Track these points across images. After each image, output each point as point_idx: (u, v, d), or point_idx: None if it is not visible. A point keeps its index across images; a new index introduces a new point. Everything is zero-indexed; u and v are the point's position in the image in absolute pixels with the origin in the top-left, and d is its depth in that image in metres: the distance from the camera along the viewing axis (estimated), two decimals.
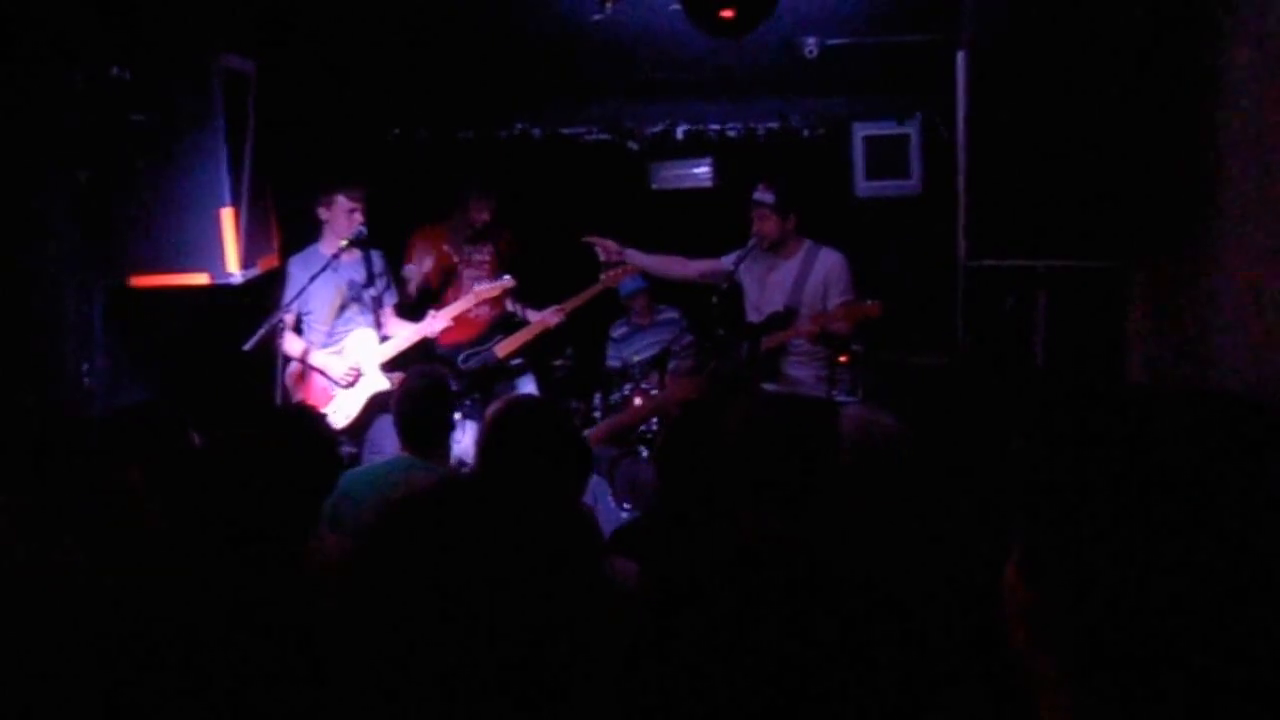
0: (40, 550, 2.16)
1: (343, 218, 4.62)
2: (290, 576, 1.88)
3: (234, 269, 4.14)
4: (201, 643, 1.75)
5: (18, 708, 1.78)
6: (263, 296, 4.44)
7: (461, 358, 5.06)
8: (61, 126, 3.92)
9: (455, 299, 4.92)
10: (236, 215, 4.15)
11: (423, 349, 4.82)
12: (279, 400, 4.37)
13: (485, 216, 5.15)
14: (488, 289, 4.78)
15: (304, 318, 4.62)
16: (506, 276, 4.85)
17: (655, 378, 5.06)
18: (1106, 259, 3.04)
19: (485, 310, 5.00)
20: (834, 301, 4.37)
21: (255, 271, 4.36)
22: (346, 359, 4.59)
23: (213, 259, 4.12)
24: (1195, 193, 2.80)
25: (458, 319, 4.89)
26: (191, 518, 1.91)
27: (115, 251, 4.10)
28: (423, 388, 3.19)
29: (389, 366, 4.64)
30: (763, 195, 4.45)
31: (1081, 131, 2.96)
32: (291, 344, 4.52)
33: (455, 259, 5.10)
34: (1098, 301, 3.37)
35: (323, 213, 4.66)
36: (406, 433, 3.15)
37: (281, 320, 4.31)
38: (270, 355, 4.31)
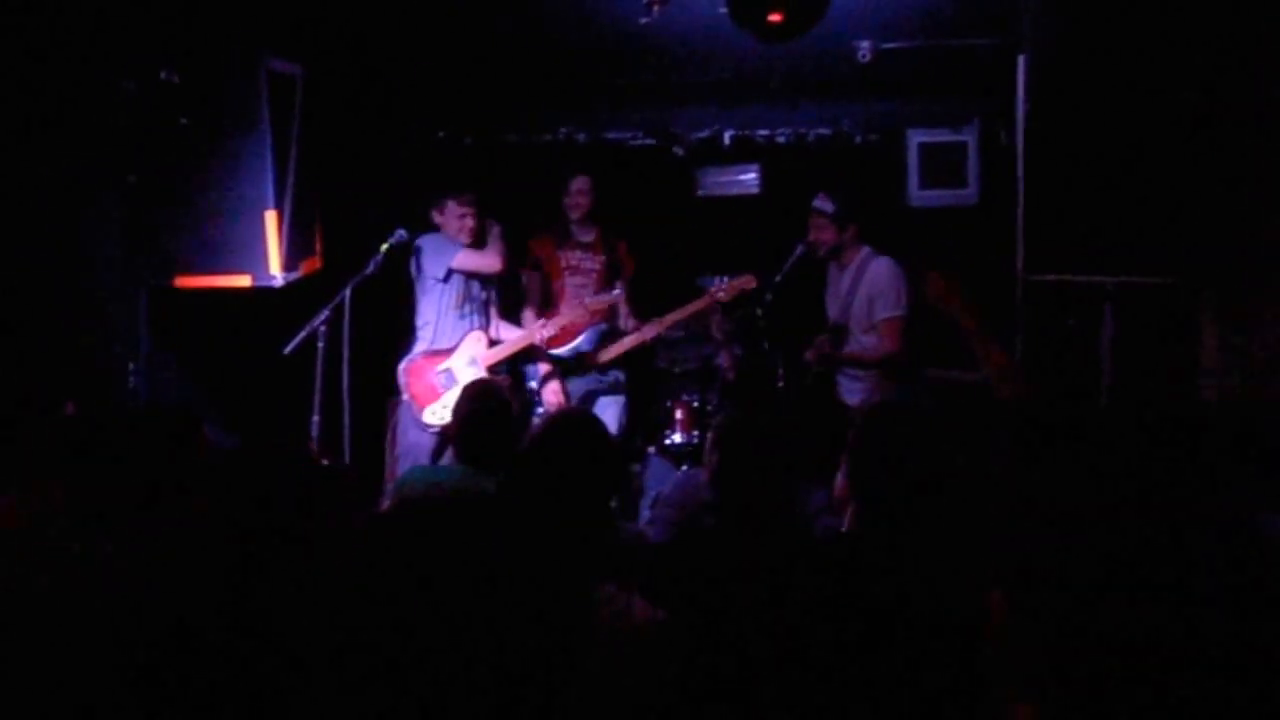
0: (69, 546, 2.16)
1: (454, 221, 4.67)
2: (299, 581, 1.85)
3: (276, 271, 4.14)
4: (211, 643, 1.74)
5: (39, 698, 1.78)
6: (306, 299, 4.44)
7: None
8: (112, 130, 3.95)
9: (559, 303, 4.89)
10: (280, 218, 4.15)
11: (528, 353, 4.83)
12: (317, 402, 4.35)
13: (584, 201, 4.88)
14: (596, 301, 4.74)
15: (425, 290, 4.67)
16: (617, 290, 4.79)
17: (695, 392, 4.95)
18: (1176, 277, 2.89)
19: (583, 317, 4.93)
20: (880, 316, 4.26)
21: (297, 274, 4.36)
22: (462, 357, 4.66)
23: (256, 261, 4.13)
24: (1271, 210, 2.65)
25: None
26: (208, 519, 1.89)
27: (161, 253, 4.13)
28: (478, 406, 3.15)
29: (495, 369, 4.69)
30: (822, 204, 4.37)
31: (1150, 141, 2.82)
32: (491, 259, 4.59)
33: (562, 264, 4.98)
34: (1166, 319, 3.21)
35: (435, 216, 4.71)
36: (462, 447, 3.12)
37: (324, 324, 4.31)
38: (311, 358, 4.30)
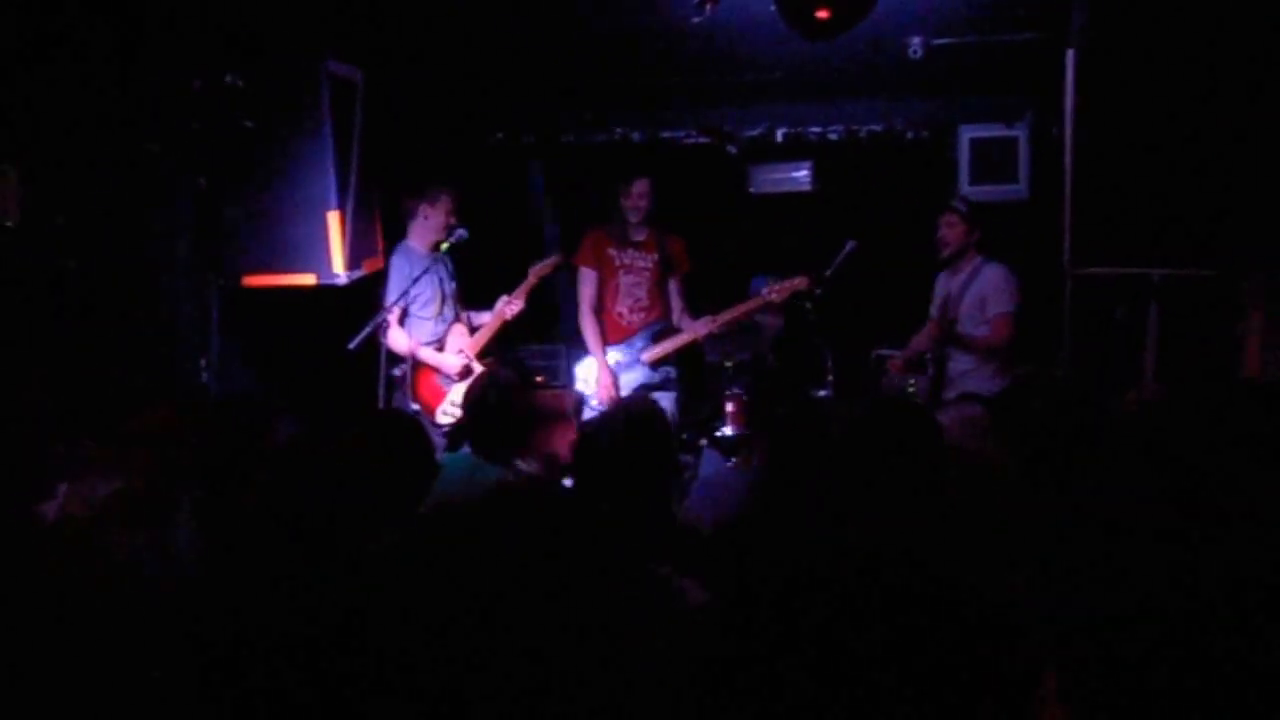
0: (145, 537, 2.26)
1: (440, 216, 4.73)
2: (359, 572, 1.92)
3: (340, 270, 4.28)
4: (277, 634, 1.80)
5: (113, 688, 1.84)
6: (368, 296, 4.58)
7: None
8: (183, 135, 4.11)
9: (613, 301, 4.96)
10: (343, 218, 4.29)
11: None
12: (382, 395, 4.48)
13: (645, 204, 4.91)
14: (541, 265, 4.80)
15: (410, 313, 4.73)
16: (556, 255, 4.86)
17: (744, 384, 5.00)
18: (1222, 270, 2.87)
19: (640, 316, 4.97)
20: (991, 313, 4.34)
21: (360, 272, 4.50)
22: (451, 352, 4.71)
23: (320, 260, 4.27)
24: None
25: (609, 323, 4.93)
26: (275, 508, 1.97)
27: (229, 253, 4.29)
28: (489, 394, 3.12)
29: (482, 355, 4.77)
30: (958, 204, 4.55)
31: (1196, 134, 2.80)
32: (400, 341, 4.63)
33: (616, 264, 5.00)
34: (1212, 312, 3.18)
35: (424, 208, 4.74)
36: (474, 436, 3.11)
37: (385, 319, 4.43)
38: (375, 352, 4.44)
